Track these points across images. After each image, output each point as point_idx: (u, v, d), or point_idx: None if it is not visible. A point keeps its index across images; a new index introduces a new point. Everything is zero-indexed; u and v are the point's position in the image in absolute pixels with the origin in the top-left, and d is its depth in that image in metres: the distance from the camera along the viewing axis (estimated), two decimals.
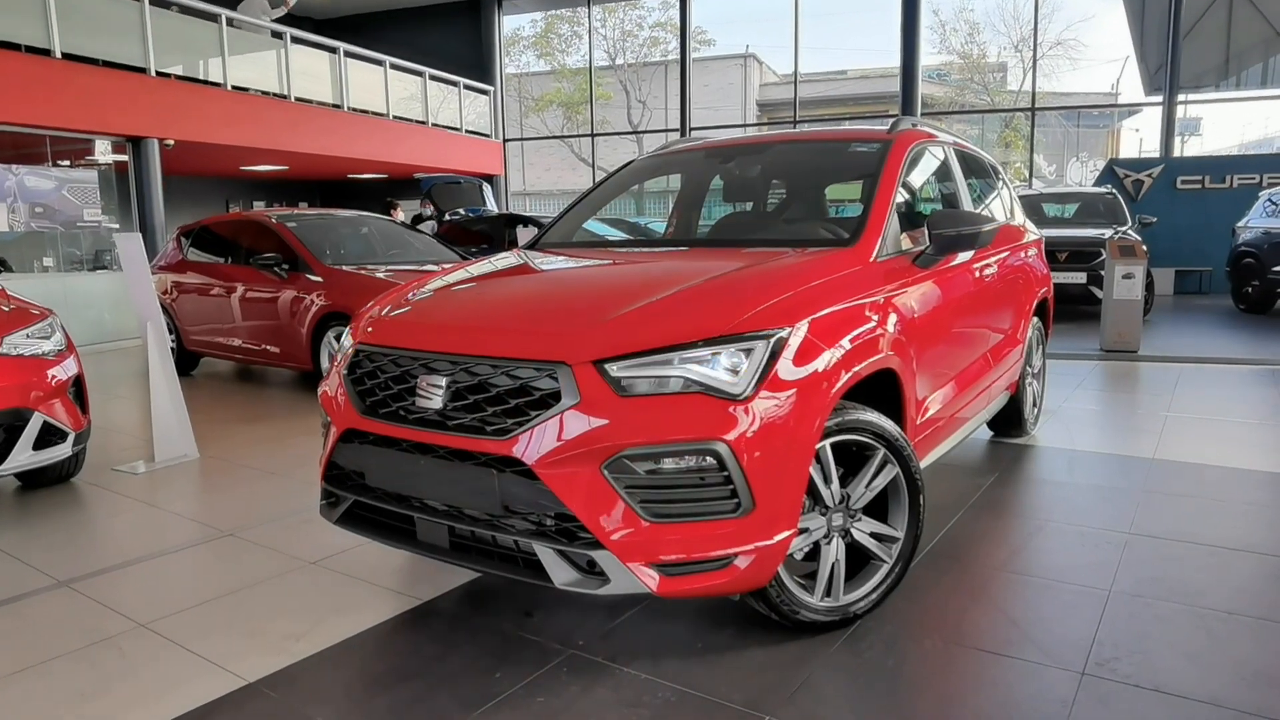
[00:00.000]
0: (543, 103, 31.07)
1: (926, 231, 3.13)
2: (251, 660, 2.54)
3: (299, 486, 4.28)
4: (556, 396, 2.23)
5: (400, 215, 12.69)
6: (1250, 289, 10.65)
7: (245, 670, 2.48)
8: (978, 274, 3.74)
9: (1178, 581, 2.97)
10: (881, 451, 2.63)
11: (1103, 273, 9.37)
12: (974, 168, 4.38)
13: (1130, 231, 10.44)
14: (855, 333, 2.57)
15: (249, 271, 7.25)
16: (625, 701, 2.29)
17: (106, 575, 3.22)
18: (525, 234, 8.09)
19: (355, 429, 2.61)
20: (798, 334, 2.36)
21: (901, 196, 3.26)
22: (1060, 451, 4.71)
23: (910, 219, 3.29)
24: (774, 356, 2.28)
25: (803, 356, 2.35)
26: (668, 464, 2.18)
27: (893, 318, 2.81)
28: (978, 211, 3.87)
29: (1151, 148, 15.10)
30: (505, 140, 19.40)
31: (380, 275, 6.68)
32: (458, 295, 2.95)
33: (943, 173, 3.91)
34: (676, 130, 18.28)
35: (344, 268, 6.84)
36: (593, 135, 19.95)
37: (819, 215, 3.52)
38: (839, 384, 2.44)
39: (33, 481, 4.33)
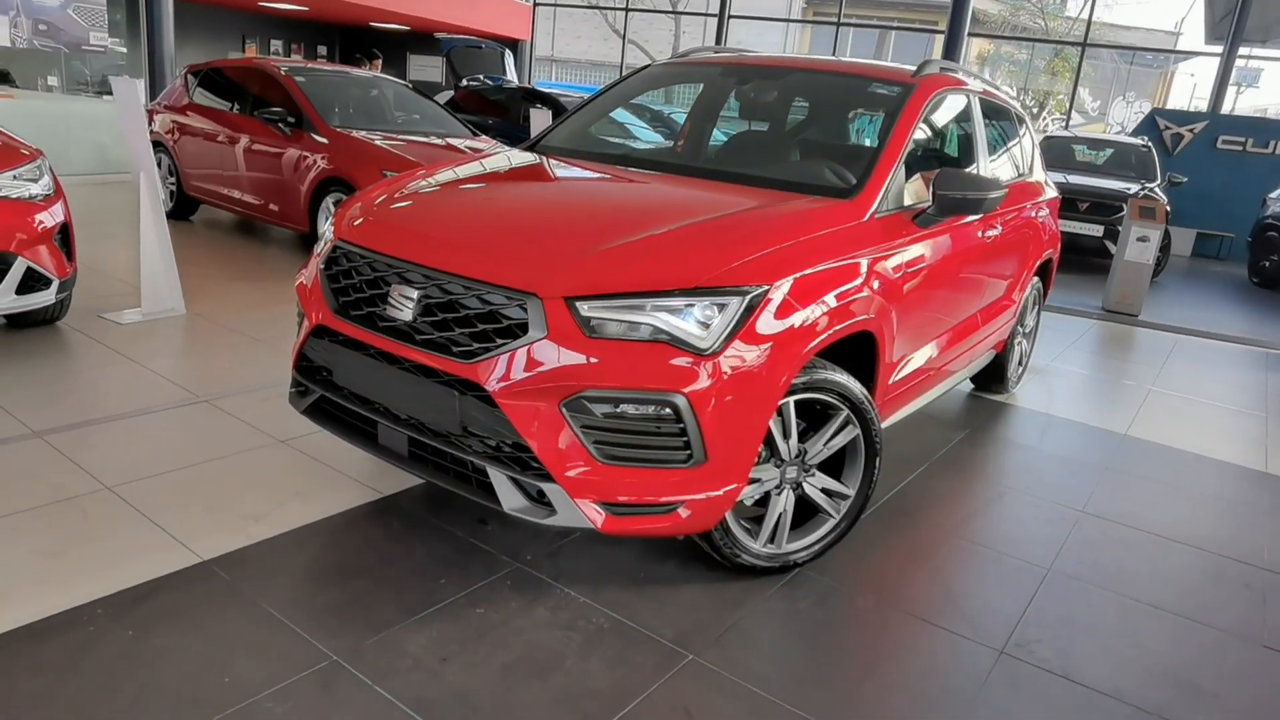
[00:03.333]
0: None
1: (930, 189, 3.05)
2: (208, 538, 2.62)
3: (279, 358, 4.31)
4: (524, 328, 2.22)
5: (378, 69, 12.20)
6: (1268, 263, 10.47)
7: (201, 547, 2.57)
8: (980, 234, 3.66)
9: (1115, 568, 3.05)
10: (845, 413, 2.64)
11: (1120, 229, 9.22)
12: (999, 120, 4.22)
13: (1156, 189, 10.18)
14: (836, 293, 2.54)
15: (254, 123, 7.07)
16: (560, 623, 2.38)
17: (79, 430, 3.28)
18: (539, 116, 7.86)
19: (326, 326, 2.61)
20: (776, 292, 2.33)
21: (913, 147, 3.15)
22: (1036, 414, 4.74)
23: (919, 168, 3.19)
24: (748, 314, 2.26)
25: (777, 316, 2.33)
26: (626, 409, 2.19)
27: (880, 279, 2.77)
28: (989, 175, 3.75)
29: (1203, 98, 14.53)
30: (536, 4, 18.60)
31: (386, 144, 6.53)
32: (441, 202, 2.89)
33: (963, 125, 3.77)
34: (715, 15, 17.49)
35: (350, 132, 6.68)
36: (627, 10, 19.12)
37: (826, 155, 3.41)
38: (811, 344, 2.43)
39: (17, 322, 4.35)
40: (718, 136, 3.79)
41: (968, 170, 3.67)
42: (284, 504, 2.88)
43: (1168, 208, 7.88)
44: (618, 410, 2.20)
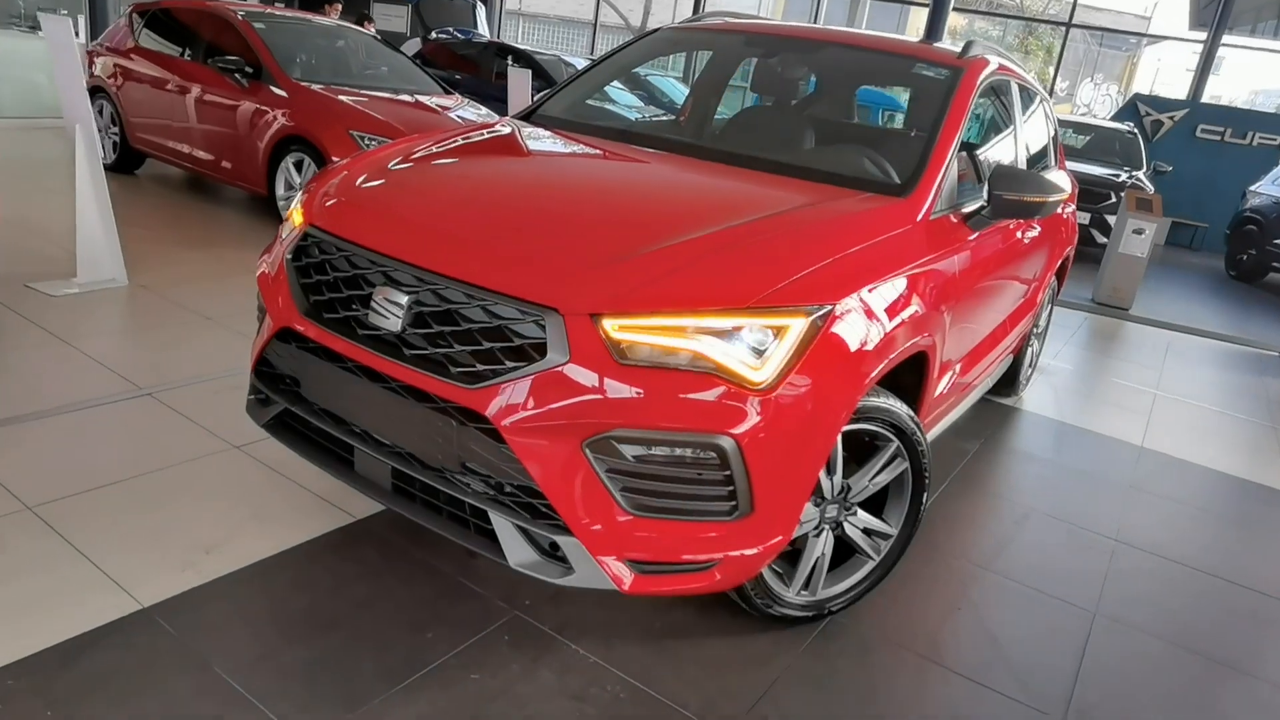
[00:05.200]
0: None
1: (986, 189, 2.72)
2: (150, 576, 2.22)
3: (234, 341, 3.86)
4: (541, 349, 1.84)
5: (336, 14, 11.45)
6: (1245, 257, 10.41)
7: (141, 590, 2.17)
8: (1020, 235, 3.35)
9: (1163, 610, 2.80)
10: (894, 445, 2.32)
11: (1108, 217, 9.04)
12: (1030, 106, 3.89)
13: (1143, 177, 10.02)
14: (899, 311, 2.19)
15: (207, 72, 6.46)
16: (569, 692, 2.04)
17: None
18: (519, 76, 7.34)
19: (293, 330, 2.20)
20: (839, 313, 1.98)
21: (963, 139, 2.80)
22: (1047, 422, 4.49)
23: (965, 162, 2.85)
24: (810, 339, 1.90)
25: (841, 341, 1.98)
26: (661, 452, 1.83)
27: (935, 291, 2.44)
28: (1030, 167, 3.43)
29: (1169, 83, 14.39)
30: None
31: (352, 100, 6.01)
32: (437, 184, 2.47)
33: (1005, 113, 3.43)
34: None
35: (312, 85, 6.13)
36: None
37: (868, 143, 3.04)
38: (874, 373, 2.09)
39: None
40: (741, 115, 3.39)
41: (1019, 166, 3.34)
42: (240, 528, 2.48)
43: (1161, 200, 7.68)
44: (652, 453, 1.83)
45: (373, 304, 2.03)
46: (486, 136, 2.92)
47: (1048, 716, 2.20)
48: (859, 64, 3.34)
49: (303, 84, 6.10)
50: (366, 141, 5.65)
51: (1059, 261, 4.33)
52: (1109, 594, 2.84)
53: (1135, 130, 11.33)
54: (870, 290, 2.09)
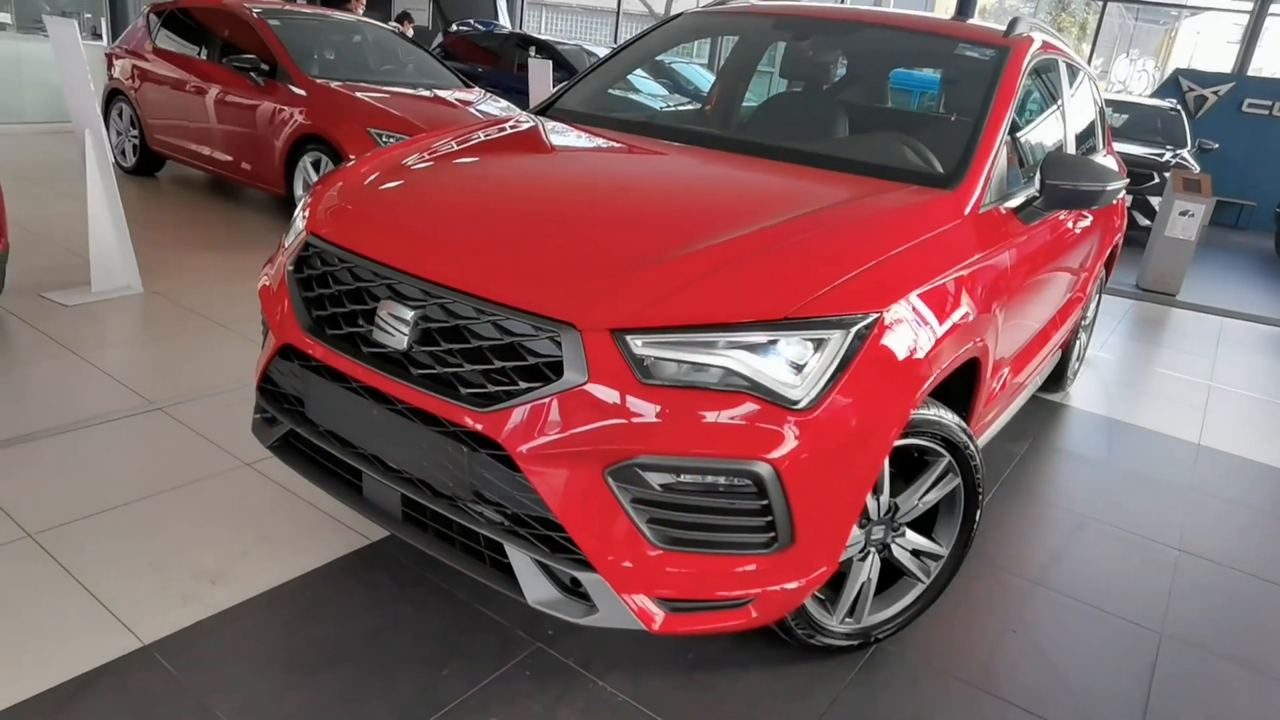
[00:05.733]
0: None
1: (1038, 178, 2.51)
2: (151, 610, 2.10)
3: (247, 349, 3.75)
4: (558, 368, 1.68)
5: (361, 8, 11.34)
6: None
7: (142, 625, 2.04)
8: (1071, 224, 3.13)
9: (1234, 630, 2.59)
10: (945, 460, 2.13)
11: (1150, 198, 8.71)
12: (1078, 87, 3.65)
13: (1188, 156, 9.65)
14: (950, 316, 2.00)
15: (223, 72, 6.37)
16: None
17: (1, 451, 2.73)
18: (539, 67, 7.17)
19: (296, 347, 2.06)
20: (887, 322, 1.79)
21: (1011, 124, 2.59)
22: (1097, 419, 4.26)
23: (1011, 150, 2.64)
24: (853, 351, 1.72)
25: (888, 352, 1.79)
26: (691, 480, 1.67)
27: (986, 291, 2.24)
28: (1098, 160, 3.21)
29: (1208, 57, 13.85)
30: None
31: (369, 97, 5.88)
32: (444, 189, 2.30)
33: (1052, 95, 3.20)
34: None
35: (330, 83, 6.01)
36: None
37: (908, 131, 2.84)
38: (925, 386, 1.90)
39: None
40: (771, 103, 3.19)
41: (1068, 151, 3.12)
42: (247, 554, 2.36)
43: (1210, 180, 7.34)
44: (681, 480, 1.67)
45: (377, 320, 1.88)
46: (499, 134, 2.76)
47: None
48: (896, 46, 3.13)
49: (319, 81, 5.98)
50: (385, 139, 5.52)
51: (1108, 250, 4.09)
52: (1175, 612, 2.64)
53: (1178, 107, 10.91)
54: (919, 295, 1.90)
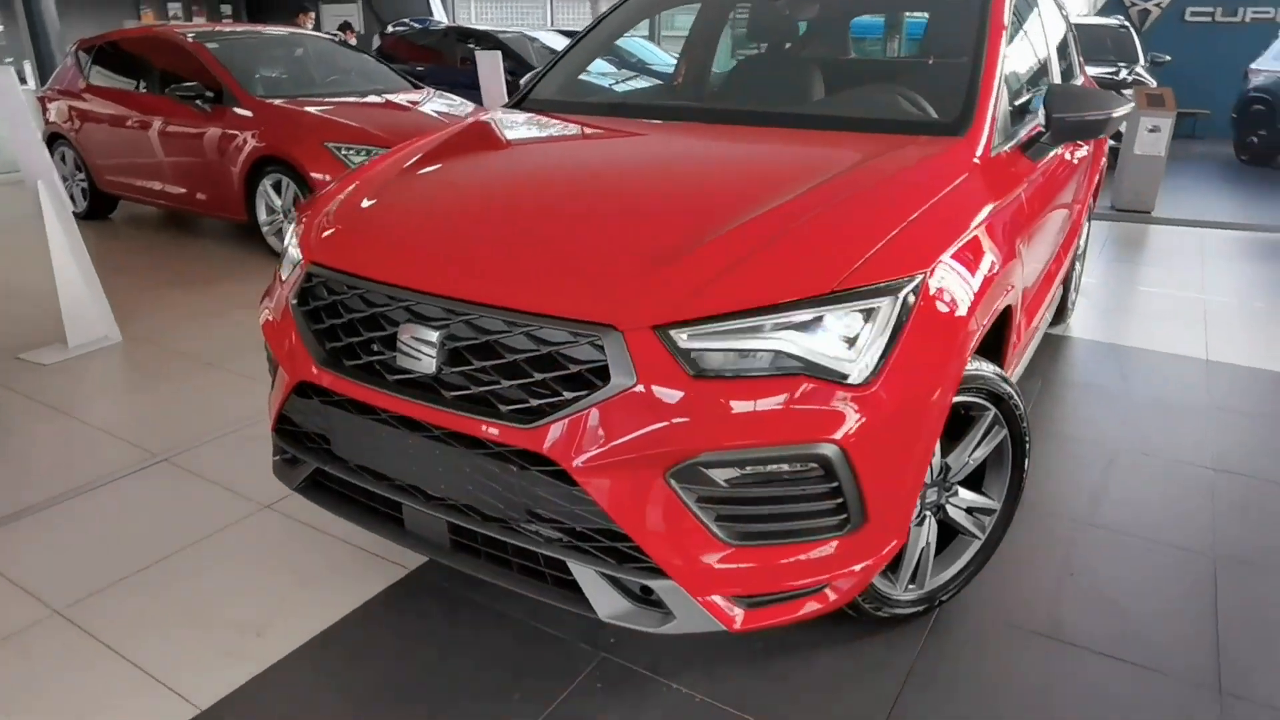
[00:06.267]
0: None
1: (1042, 112, 2.46)
2: (199, 671, 2.01)
3: (241, 385, 3.63)
4: (603, 373, 1.60)
5: (310, 24, 11.09)
6: (1256, 138, 10.08)
7: (192, 688, 1.96)
8: (1069, 156, 3.09)
9: None
10: (992, 413, 2.08)
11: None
12: (1052, 12, 3.60)
13: (1143, 71, 9.68)
14: (986, 267, 1.95)
15: (166, 102, 6.16)
16: None
17: (6, 528, 2.61)
18: (488, 59, 7.00)
19: (313, 383, 1.96)
20: (931, 282, 1.73)
21: (1007, 58, 2.53)
22: (1103, 347, 4.25)
23: (1008, 85, 2.58)
24: (904, 317, 1.66)
25: (938, 313, 1.74)
26: (756, 471, 1.60)
27: (1010, 236, 2.19)
28: (1095, 89, 3.16)
29: None
30: None
31: (321, 111, 5.71)
32: (444, 199, 2.20)
33: (1033, 22, 3.14)
34: None
35: (280, 102, 5.83)
36: None
37: (901, 80, 2.76)
38: (972, 343, 1.85)
39: None
40: (754, 65, 3.09)
41: (1057, 80, 3.07)
42: (286, 601, 2.27)
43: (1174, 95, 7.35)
44: (745, 474, 1.60)
45: (399, 345, 1.79)
46: (485, 134, 2.65)
47: (1203, 688, 1.99)
48: None
49: (268, 101, 5.81)
50: (343, 152, 5.37)
51: (1096, 176, 4.06)
52: (1223, 532, 2.63)
53: (1126, 24, 10.93)
54: (954, 251, 1.84)
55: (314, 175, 5.29)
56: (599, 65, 3.31)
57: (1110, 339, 4.36)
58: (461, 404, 1.72)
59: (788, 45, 3.27)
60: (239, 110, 5.76)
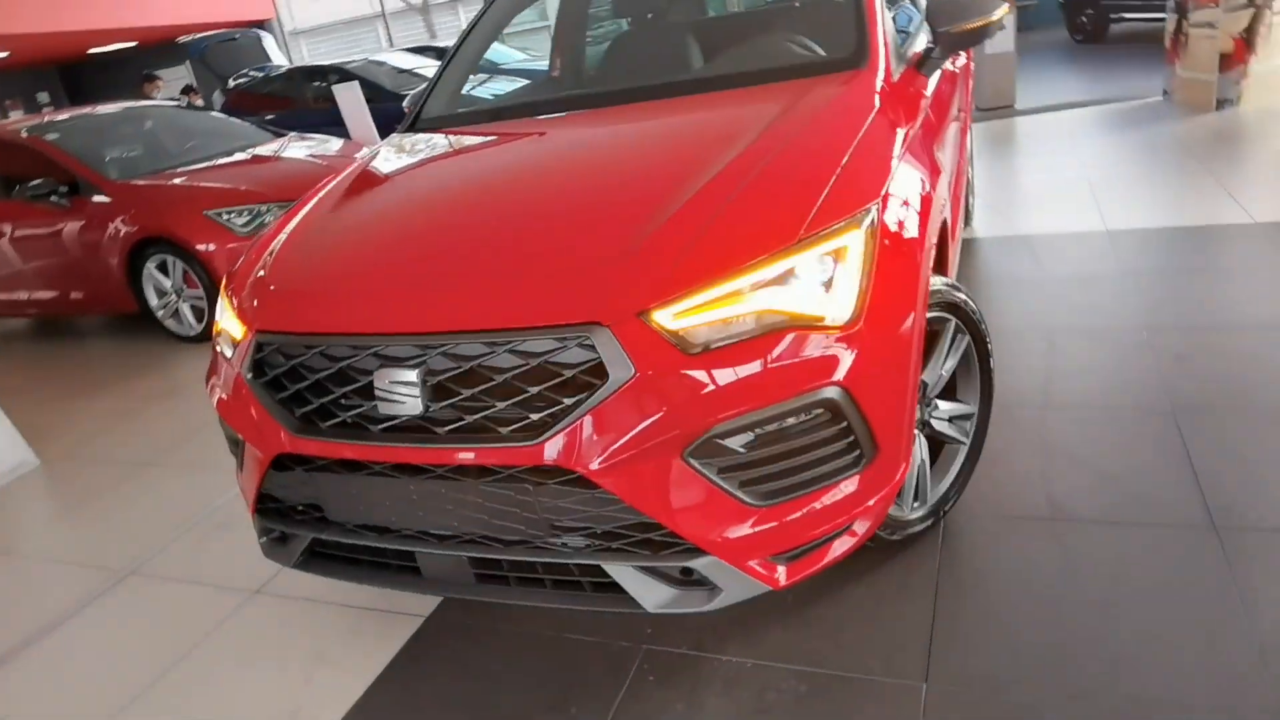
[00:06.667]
0: None
1: (927, 28, 2.54)
2: None
3: (184, 478, 3.46)
4: (599, 371, 1.59)
5: (159, 91, 10.61)
6: (1085, 18, 10.66)
7: None
8: (952, 65, 3.20)
9: (1238, 383, 2.75)
10: (952, 322, 2.16)
11: None
12: None
13: None
14: (921, 187, 2.01)
15: (14, 206, 5.77)
16: (749, 708, 1.85)
17: None
18: (348, 92, 6.82)
19: (292, 454, 1.88)
20: (885, 209, 1.78)
21: None
22: (1010, 240, 4.44)
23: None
24: (870, 250, 1.70)
25: (897, 237, 1.78)
26: (769, 430, 1.62)
27: (930, 151, 2.26)
28: None
29: None
30: None
31: (188, 181, 5.45)
32: (384, 233, 2.13)
33: None
34: None
35: (140, 180, 5.53)
36: None
37: (787, 24, 2.80)
38: (929, 261, 1.91)
39: None
40: (646, 38, 3.08)
41: None
42: (311, 681, 2.19)
43: None
44: (759, 435, 1.62)
45: (378, 393, 1.73)
46: (397, 163, 2.58)
47: (1199, 529, 2.12)
48: None
49: (130, 182, 5.51)
50: (224, 217, 5.14)
51: (971, 82, 4.23)
52: (1173, 385, 2.79)
53: None
54: (893, 175, 1.89)
55: (200, 248, 5.06)
56: (476, 74, 3.26)
57: (1015, 232, 4.56)
58: (459, 437, 1.68)
59: (662, 13, 3.28)
60: (101, 198, 5.45)
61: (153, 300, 5.45)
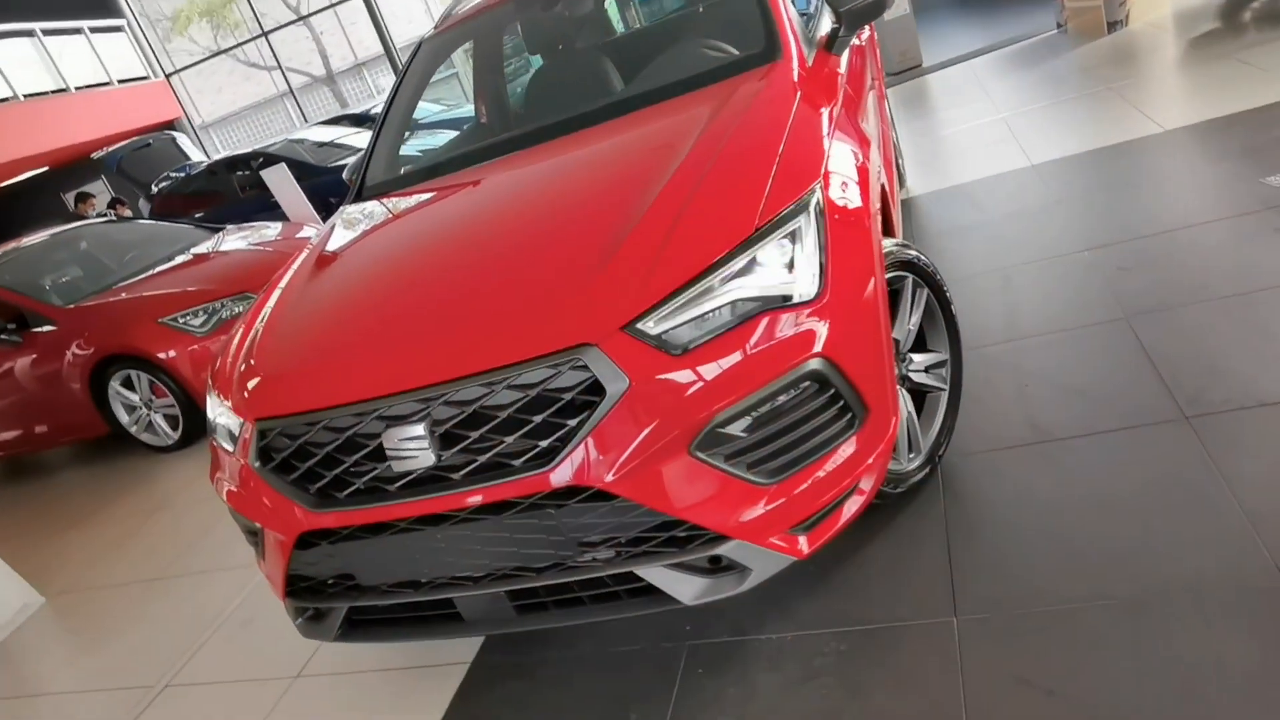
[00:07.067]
0: (181, 20, 26.80)
1: (829, 9, 2.67)
2: None
3: (195, 583, 3.47)
4: (595, 389, 1.67)
5: (94, 209, 10.55)
6: None
7: None
8: (858, 40, 3.34)
9: (1178, 278, 2.90)
10: (910, 279, 2.27)
11: None
12: None
13: None
14: (855, 159, 2.12)
15: None
16: (795, 679, 1.93)
17: None
18: (278, 175, 6.84)
19: (314, 530, 1.93)
20: (827, 186, 1.88)
21: None
22: (945, 193, 4.61)
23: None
24: (821, 226, 1.81)
25: (843, 211, 1.89)
26: (764, 410, 1.71)
27: (856, 125, 2.38)
28: None
29: None
30: (170, 74, 16.53)
31: (132, 294, 5.44)
32: (362, 300, 2.19)
33: None
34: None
35: (88, 302, 5.51)
36: (265, 34, 17.33)
37: (700, 32, 2.92)
38: (877, 226, 2.02)
39: None
40: (568, 71, 3.18)
41: None
42: None
43: None
44: (755, 417, 1.71)
45: (389, 452, 1.80)
46: (355, 235, 2.64)
47: (1174, 422, 2.25)
48: None
49: (78, 306, 5.48)
50: (180, 321, 5.14)
51: (877, 51, 4.39)
52: (1122, 294, 2.93)
53: None
54: (828, 155, 2.01)
55: (162, 356, 5.05)
56: (407, 136, 3.34)
57: (948, 184, 4.72)
58: (475, 478, 1.75)
59: (570, 42, 3.38)
60: (51, 327, 5.41)
61: (124, 418, 5.42)
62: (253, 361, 2.13)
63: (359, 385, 1.85)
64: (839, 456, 1.80)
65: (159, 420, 5.31)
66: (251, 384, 2.07)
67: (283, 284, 2.48)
